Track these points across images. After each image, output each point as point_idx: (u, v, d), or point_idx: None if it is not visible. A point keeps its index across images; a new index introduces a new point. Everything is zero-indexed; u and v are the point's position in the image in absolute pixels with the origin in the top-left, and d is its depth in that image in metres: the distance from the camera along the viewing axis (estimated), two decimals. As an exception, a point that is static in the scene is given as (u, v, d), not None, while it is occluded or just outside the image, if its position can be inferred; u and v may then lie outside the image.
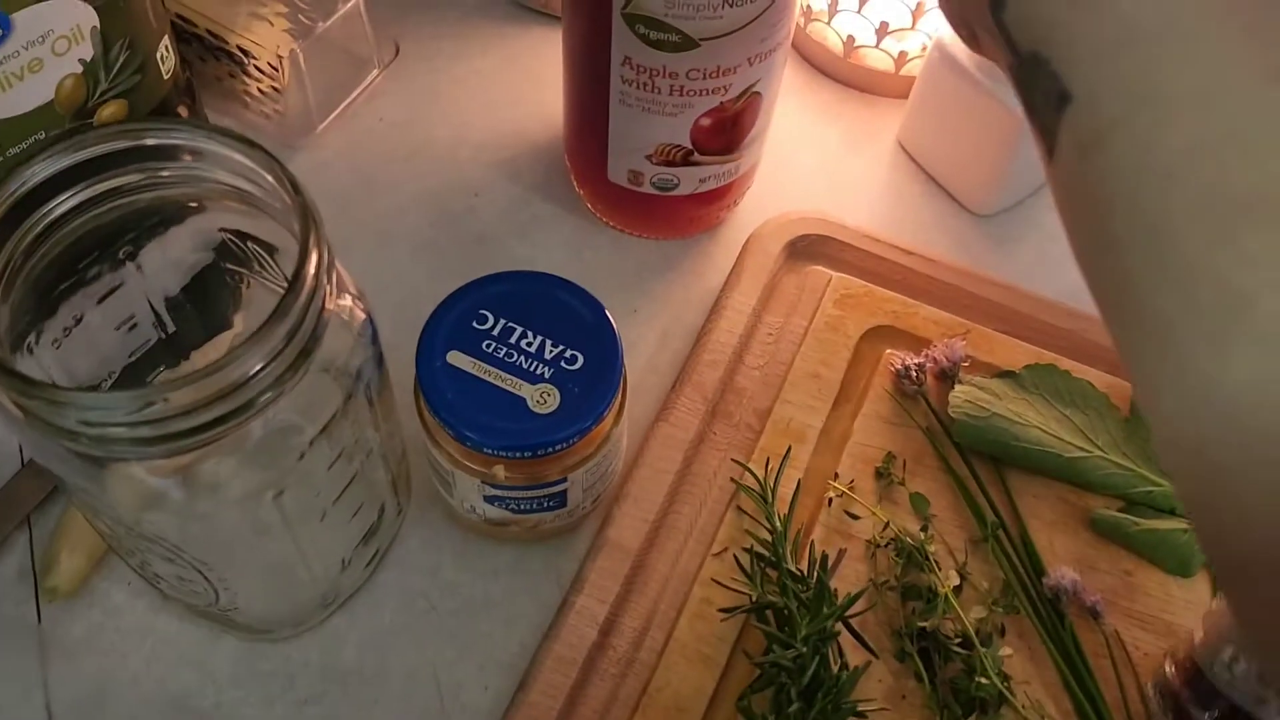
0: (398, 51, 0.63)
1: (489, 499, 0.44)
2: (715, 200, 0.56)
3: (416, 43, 0.64)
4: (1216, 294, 0.23)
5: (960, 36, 0.34)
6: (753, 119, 0.51)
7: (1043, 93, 0.27)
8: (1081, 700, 0.43)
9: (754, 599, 0.43)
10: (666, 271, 0.57)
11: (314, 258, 0.33)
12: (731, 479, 0.48)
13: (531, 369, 0.43)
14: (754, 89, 0.49)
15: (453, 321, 0.44)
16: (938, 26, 0.59)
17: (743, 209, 0.59)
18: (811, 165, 0.62)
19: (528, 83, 0.64)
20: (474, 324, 0.44)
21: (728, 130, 0.50)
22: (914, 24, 0.61)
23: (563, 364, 0.43)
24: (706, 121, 0.49)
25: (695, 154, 0.51)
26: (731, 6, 0.44)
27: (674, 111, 0.49)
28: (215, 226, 0.41)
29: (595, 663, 0.44)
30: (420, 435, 0.44)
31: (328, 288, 0.34)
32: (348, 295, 0.38)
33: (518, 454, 0.42)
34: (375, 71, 0.62)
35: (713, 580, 0.45)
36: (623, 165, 0.52)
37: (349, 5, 0.58)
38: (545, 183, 0.60)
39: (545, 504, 0.45)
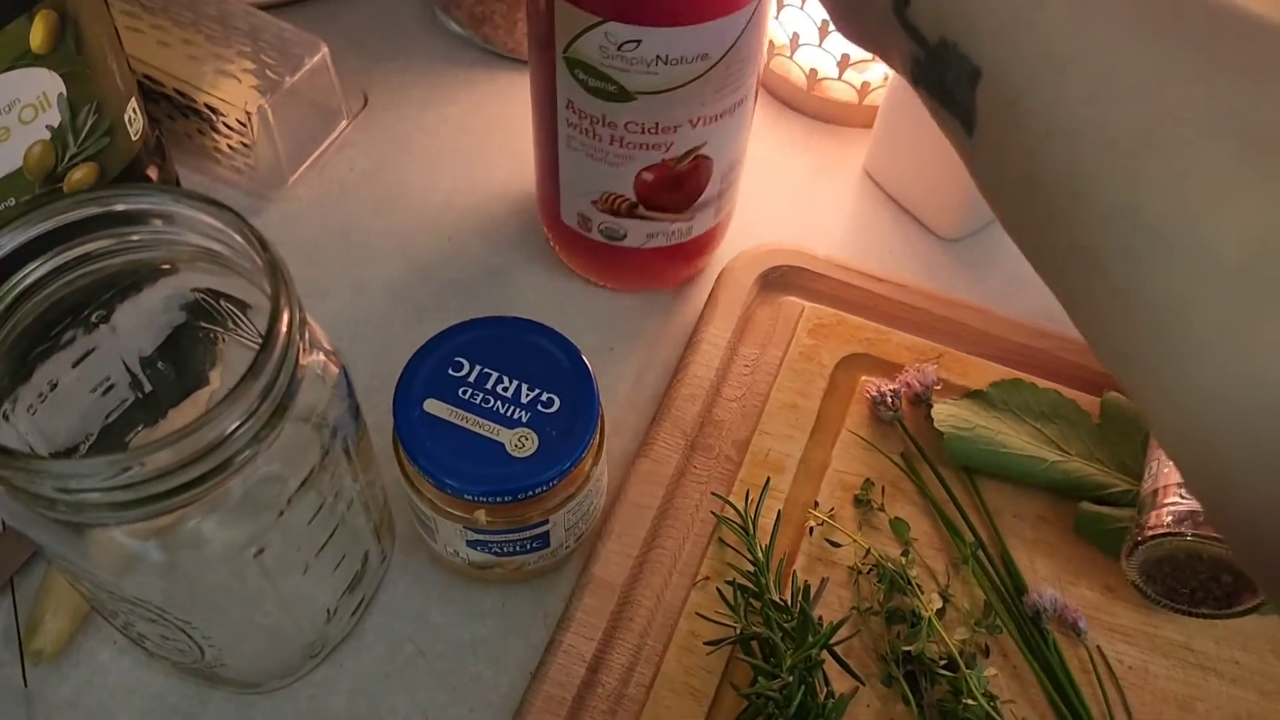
0: (366, 102, 0.64)
1: (472, 543, 0.45)
2: (673, 258, 0.55)
3: (385, 92, 0.65)
4: (1139, 229, 0.24)
5: (864, 48, 0.35)
6: (702, 182, 0.50)
7: (954, 74, 0.29)
8: (1067, 716, 0.43)
9: (739, 630, 0.43)
10: (641, 309, 0.58)
11: (285, 315, 0.33)
12: (712, 512, 0.48)
13: (509, 414, 0.43)
14: (700, 151, 0.48)
15: (428, 370, 0.44)
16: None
17: (713, 243, 0.60)
18: (781, 197, 0.63)
19: (497, 128, 0.64)
20: (450, 371, 0.44)
21: (673, 189, 0.50)
22: (874, 56, 0.62)
23: (539, 407, 0.43)
24: (649, 176, 0.49)
25: (640, 207, 0.50)
26: (666, 64, 0.43)
27: (615, 161, 0.48)
28: (188, 287, 0.41)
29: (585, 700, 0.44)
30: (401, 482, 0.44)
31: (301, 344, 0.34)
32: (321, 350, 0.38)
33: (498, 499, 0.42)
34: (344, 122, 0.63)
35: (697, 614, 0.45)
36: (573, 208, 0.52)
37: (315, 59, 0.58)
38: (518, 227, 0.60)
39: (528, 545, 0.45)
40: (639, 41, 0.42)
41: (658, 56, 0.43)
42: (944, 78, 0.29)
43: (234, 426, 0.32)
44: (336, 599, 0.43)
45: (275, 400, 0.33)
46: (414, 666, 0.47)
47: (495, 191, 0.62)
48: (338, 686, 0.46)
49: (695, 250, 0.55)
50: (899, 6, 0.31)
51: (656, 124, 0.46)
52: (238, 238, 0.35)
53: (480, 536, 0.44)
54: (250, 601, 0.39)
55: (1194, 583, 0.44)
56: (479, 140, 0.64)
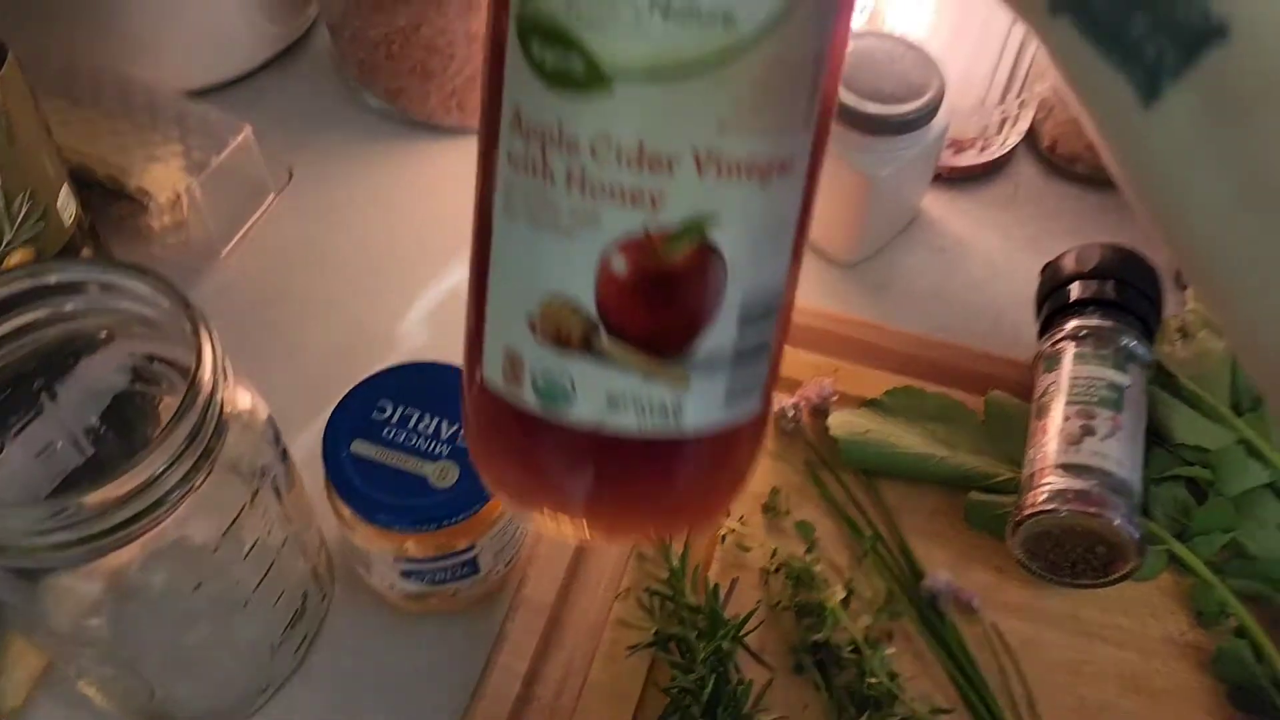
0: (292, 176, 0.68)
1: (405, 574, 0.48)
2: (648, 469, 0.34)
3: (310, 166, 0.69)
4: None
5: None
6: (705, 296, 0.31)
7: (1157, 18, 0.22)
8: (965, 688, 0.47)
9: (655, 633, 0.46)
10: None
11: (207, 359, 0.37)
12: (628, 528, 0.52)
13: (430, 449, 0.46)
14: (706, 229, 0.30)
15: (354, 414, 0.47)
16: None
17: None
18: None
19: (420, 193, 0.68)
20: (374, 415, 0.47)
21: (657, 297, 0.31)
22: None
23: (459, 441, 0.47)
24: (621, 264, 0.30)
25: (602, 333, 0.31)
26: (667, 14, 0.27)
27: (570, 225, 0.30)
28: (125, 352, 0.45)
29: (521, 713, 0.47)
30: (336, 522, 0.48)
31: (224, 387, 0.38)
32: (249, 398, 0.42)
33: (424, 527, 0.45)
34: (272, 196, 0.66)
35: (620, 622, 0.49)
36: (500, 340, 0.33)
37: (239, 138, 0.62)
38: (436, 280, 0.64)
39: (459, 573, 0.48)
40: None
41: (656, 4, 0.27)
42: (1127, 17, 0.22)
43: (163, 467, 0.35)
44: (279, 634, 0.46)
45: (203, 442, 0.36)
46: (360, 699, 0.49)
47: (418, 251, 0.65)
48: (288, 724, 0.49)
49: (691, 462, 0.34)
50: None
51: (640, 144, 0.29)
52: (163, 300, 0.39)
53: (412, 566, 0.47)
54: (193, 637, 0.42)
55: (1074, 556, 0.48)
56: (403, 205, 0.68)
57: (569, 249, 0.30)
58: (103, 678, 0.42)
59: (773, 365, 0.34)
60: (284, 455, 0.44)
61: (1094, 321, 0.53)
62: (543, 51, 0.29)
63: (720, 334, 0.31)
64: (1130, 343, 0.52)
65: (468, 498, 0.45)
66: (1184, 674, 0.48)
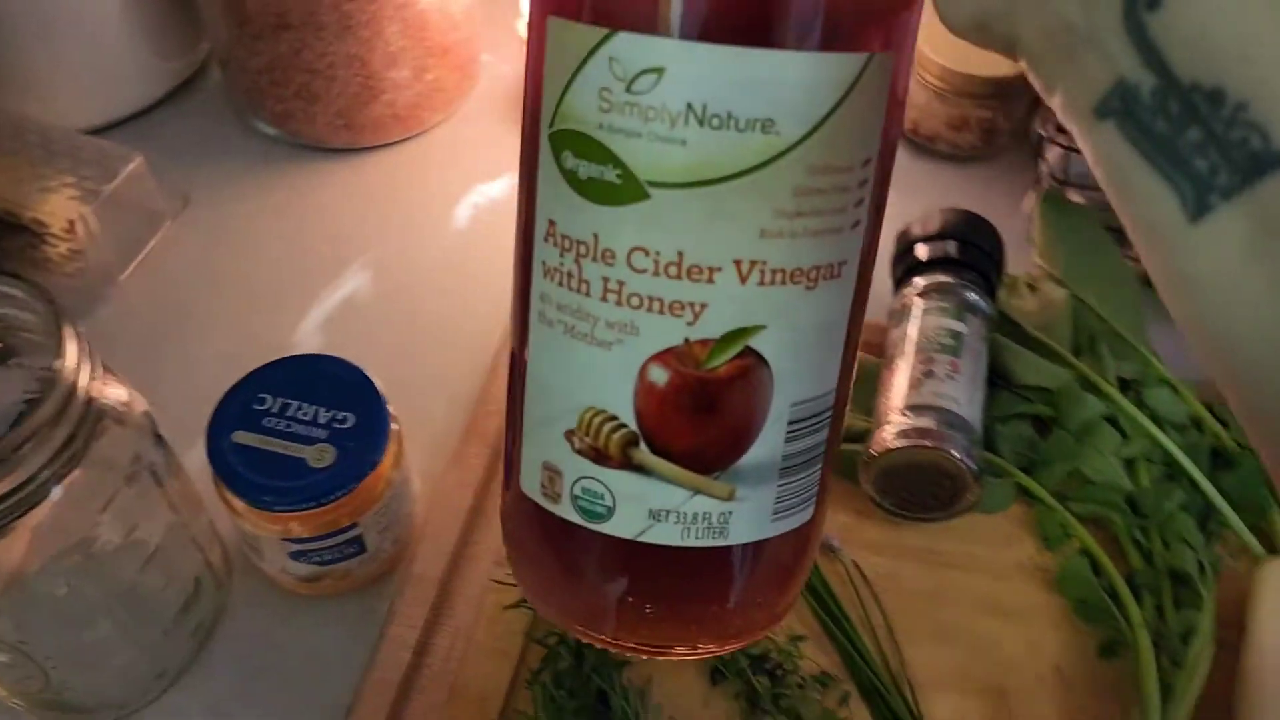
0: (187, 202, 0.71)
1: (294, 556, 0.50)
2: (690, 579, 0.33)
3: (205, 190, 0.72)
4: None
5: (989, 39, 0.26)
6: (750, 404, 0.30)
7: (1211, 141, 0.21)
8: (827, 621, 0.49)
9: (530, 590, 0.49)
10: (447, 344, 0.64)
11: (69, 351, 0.39)
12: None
13: (308, 434, 0.49)
14: (753, 344, 0.29)
15: (236, 407, 0.50)
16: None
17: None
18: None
19: (311, 211, 0.71)
20: (255, 406, 0.50)
21: (696, 407, 0.30)
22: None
23: (335, 425, 0.49)
24: (660, 377, 0.29)
25: (641, 446, 0.30)
26: (702, 124, 0.27)
27: (608, 335, 0.29)
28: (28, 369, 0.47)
29: (412, 681, 0.50)
30: (226, 512, 0.50)
31: (92, 380, 0.40)
32: (124, 392, 0.44)
33: (305, 506, 0.48)
34: (168, 222, 0.69)
35: (499, 583, 0.51)
36: (538, 455, 0.32)
37: (131, 167, 0.65)
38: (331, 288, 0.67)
39: (346, 552, 0.51)
40: (660, 72, 0.27)
41: (689, 106, 0.27)
42: (1180, 130, 0.21)
43: (28, 459, 0.38)
44: (170, 619, 0.49)
45: (66, 431, 0.39)
46: (260, 682, 0.52)
47: (315, 262, 0.68)
48: (189, 711, 0.51)
49: (739, 573, 0.33)
50: (1138, 10, 0.22)
51: (680, 255, 0.28)
52: (37, 303, 0.41)
53: (300, 548, 0.50)
54: (81, 623, 0.44)
55: (922, 492, 0.51)
56: (298, 223, 0.71)
57: (607, 361, 0.30)
58: (-2, 666, 0.44)
59: (826, 470, 0.33)
60: (161, 443, 0.46)
61: (937, 278, 0.56)
62: (576, 163, 0.28)
63: (767, 445, 0.31)
64: (969, 295, 0.55)
65: (344, 476, 0.48)
66: (1034, 594, 0.51)
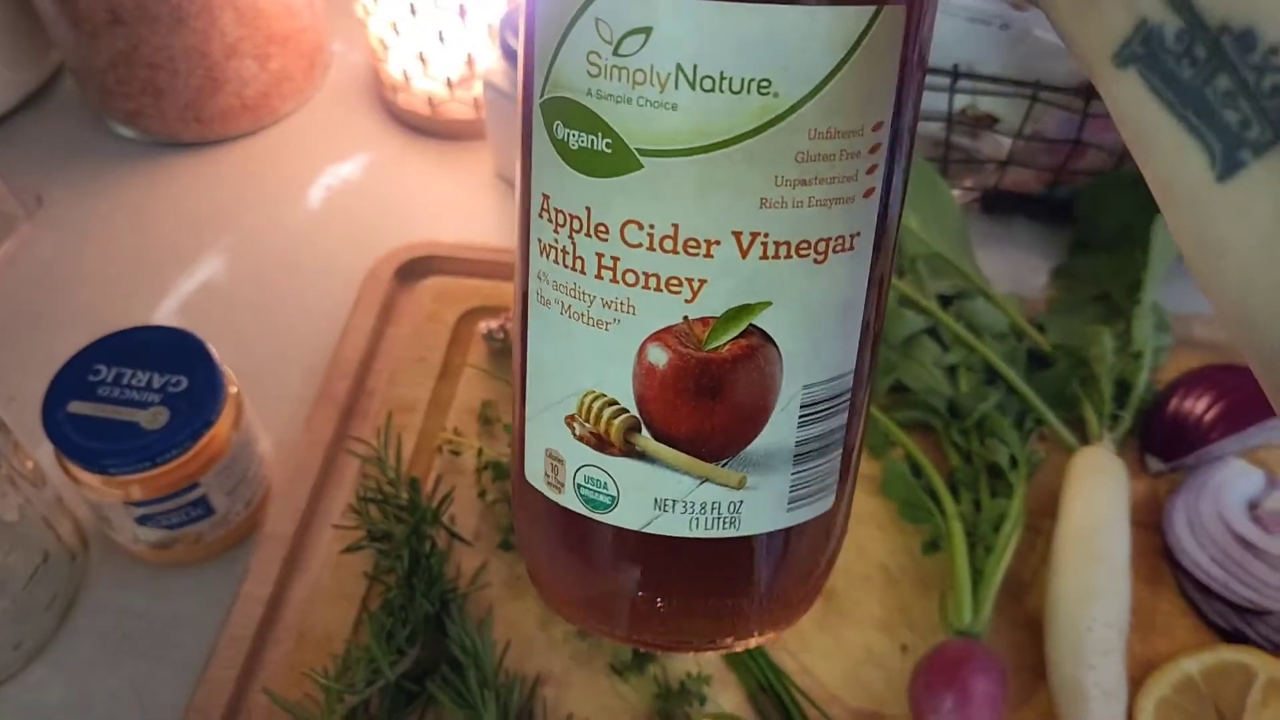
0: (41, 201, 0.72)
1: (141, 520, 0.51)
2: (701, 572, 0.31)
3: (60, 190, 0.73)
4: None
5: None
6: (756, 392, 0.28)
7: (1242, 91, 0.19)
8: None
9: (368, 532, 0.50)
10: (301, 318, 0.66)
11: None
12: (348, 450, 0.56)
13: (142, 399, 0.50)
14: (753, 316, 0.27)
15: (70, 379, 0.51)
16: (487, 68, 0.70)
17: (361, 252, 0.68)
18: (430, 210, 0.72)
19: (166, 204, 0.72)
20: (89, 377, 0.51)
21: (699, 390, 0.28)
22: (472, 73, 0.72)
23: (170, 389, 0.51)
24: (660, 356, 0.28)
25: (642, 428, 0.29)
26: (694, 87, 0.25)
27: (605, 318, 0.28)
28: None
29: (266, 634, 0.51)
30: (69, 483, 0.51)
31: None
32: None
33: (141, 467, 0.49)
34: (22, 224, 0.70)
35: (342, 530, 0.53)
36: (540, 442, 0.31)
37: (-24, 171, 0.66)
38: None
39: (193, 514, 0.52)
40: (647, 33, 0.25)
41: (679, 68, 0.25)
42: (1208, 78, 0.20)
43: None
44: (19, 589, 0.49)
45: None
46: (122, 651, 0.53)
47: (171, 259, 0.69)
48: (51, 684, 0.51)
49: (755, 565, 0.31)
50: None
51: (675, 227, 0.26)
52: None
53: (145, 511, 0.51)
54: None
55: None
56: (149, 217, 0.72)
57: (605, 342, 0.28)
58: None
59: (848, 457, 0.31)
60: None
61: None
62: (567, 133, 0.27)
63: (779, 430, 0.28)
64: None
65: (179, 436, 0.49)
66: (860, 500, 0.54)
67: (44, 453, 0.54)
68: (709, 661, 0.49)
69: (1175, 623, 0.51)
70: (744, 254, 0.26)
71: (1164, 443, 0.54)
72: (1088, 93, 0.59)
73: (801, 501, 0.30)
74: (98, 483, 0.50)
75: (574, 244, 0.27)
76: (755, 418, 0.28)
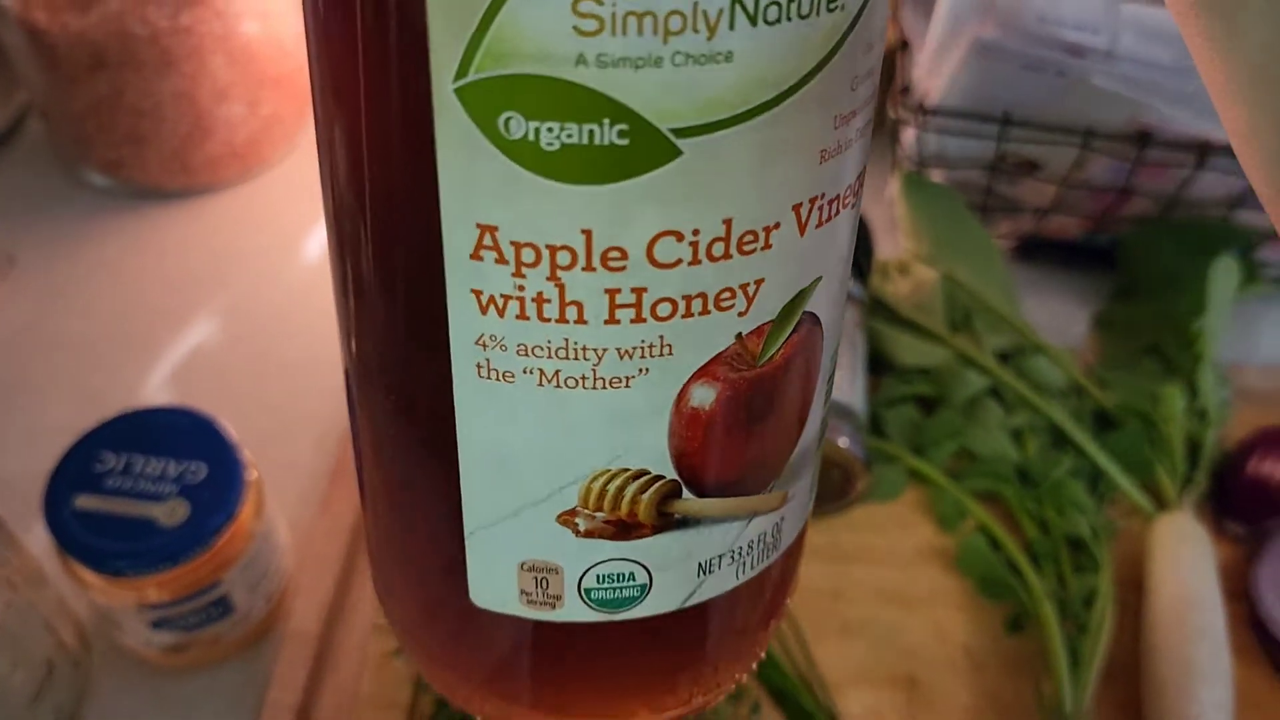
0: (14, 262, 0.66)
1: (156, 625, 0.46)
2: (730, 633, 0.27)
3: (34, 248, 0.67)
4: None
5: None
6: (806, 382, 0.24)
7: None
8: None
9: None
10: (307, 386, 0.61)
11: None
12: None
13: (157, 490, 0.45)
14: (807, 300, 0.22)
15: (74, 470, 0.46)
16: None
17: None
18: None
19: (150, 259, 0.67)
20: (96, 467, 0.46)
21: (752, 414, 0.23)
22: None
23: (188, 478, 0.46)
24: (706, 395, 0.22)
25: (684, 492, 0.23)
26: (759, 23, 0.18)
27: (621, 374, 0.21)
28: None
29: (297, 746, 0.46)
30: (76, 585, 0.46)
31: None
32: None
33: (159, 569, 0.44)
34: (-7, 285, 0.64)
35: (383, 629, 0.48)
36: (502, 560, 0.24)
37: (-56, 230, 0.60)
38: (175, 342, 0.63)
39: (213, 614, 0.47)
40: None
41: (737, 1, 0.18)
42: None
43: None
44: (23, 706, 0.44)
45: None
46: (134, 765, 0.48)
47: (150, 316, 0.64)
48: (58, 803, 0.46)
49: (780, 581, 0.28)
50: None
51: (728, 223, 0.20)
52: None
53: (160, 615, 0.46)
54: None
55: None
56: (131, 274, 0.66)
57: (624, 404, 0.21)
58: None
59: None
60: (-10, 517, 0.42)
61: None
62: (534, 127, 0.18)
63: (815, 419, 0.24)
64: (841, 280, 0.54)
65: (199, 532, 0.44)
66: (935, 578, 0.50)
67: (38, 543, 0.49)
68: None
69: (1270, 699, 0.48)
70: (802, 229, 0.21)
71: (1244, 507, 0.52)
72: (1140, 140, 0.56)
73: (814, 490, 0.26)
74: (108, 585, 0.45)
75: (562, 286, 0.20)
76: (802, 418, 0.24)
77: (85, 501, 0.45)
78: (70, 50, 0.61)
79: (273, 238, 0.69)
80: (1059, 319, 0.64)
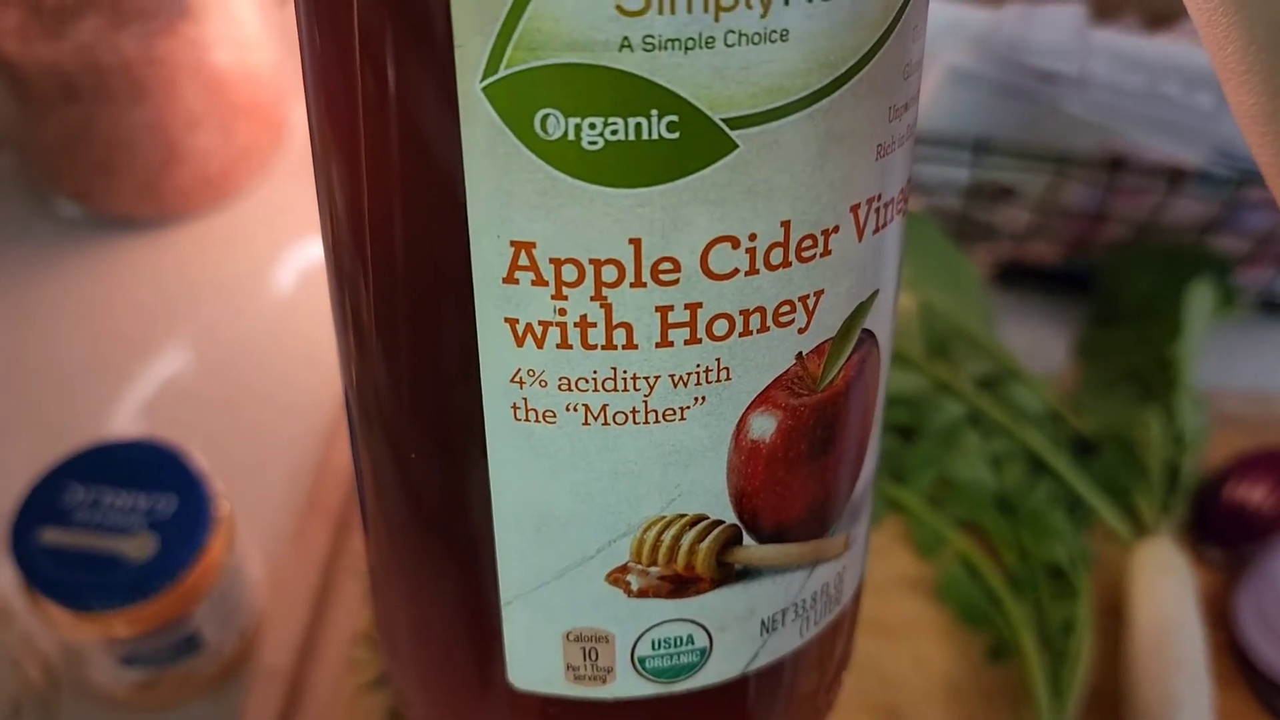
0: (-20, 297, 0.65)
1: (125, 661, 0.46)
2: (799, 693, 0.25)
3: (1, 279, 0.66)
4: None
5: None
6: (868, 413, 0.22)
7: None
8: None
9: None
10: (279, 417, 0.60)
11: None
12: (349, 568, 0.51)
13: (126, 524, 0.45)
14: (866, 316, 0.21)
15: (41, 503, 0.45)
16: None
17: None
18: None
19: (119, 290, 0.66)
20: (63, 500, 0.45)
21: (815, 451, 0.21)
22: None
23: (157, 512, 0.45)
24: (766, 425, 0.20)
25: (745, 538, 0.21)
26: None
27: (675, 404, 0.19)
28: None
29: (269, 785, 0.45)
30: (46, 626, 0.45)
31: None
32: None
33: (126, 603, 0.43)
34: (-39, 318, 0.64)
35: (355, 662, 0.47)
36: (549, 629, 0.21)
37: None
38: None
39: (183, 650, 0.46)
40: None
41: None
42: None
43: None
44: (-15, 749, 0.43)
45: None
46: (100, 806, 0.47)
47: (119, 348, 0.63)
48: (21, 847, 0.45)
49: (846, 630, 0.27)
50: None
51: (785, 226, 0.18)
52: None
53: (129, 650, 0.45)
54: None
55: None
56: (102, 305, 0.66)
57: (680, 438, 0.19)
58: None
59: None
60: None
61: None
62: (573, 125, 0.16)
63: (873, 450, 0.22)
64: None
65: (169, 566, 0.44)
66: (915, 607, 0.50)
67: (3, 579, 0.48)
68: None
69: (1250, 726, 0.48)
70: (861, 234, 0.19)
71: (1223, 532, 0.52)
72: (1113, 166, 0.57)
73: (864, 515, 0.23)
74: (75, 621, 0.44)
75: (608, 307, 0.18)
76: (863, 449, 0.21)
77: (52, 536, 0.44)
78: (42, 80, 0.61)
79: (246, 267, 0.68)
80: (1038, 345, 0.64)
